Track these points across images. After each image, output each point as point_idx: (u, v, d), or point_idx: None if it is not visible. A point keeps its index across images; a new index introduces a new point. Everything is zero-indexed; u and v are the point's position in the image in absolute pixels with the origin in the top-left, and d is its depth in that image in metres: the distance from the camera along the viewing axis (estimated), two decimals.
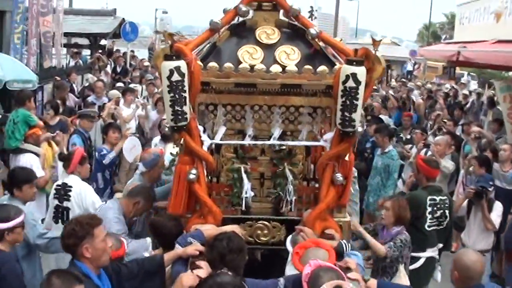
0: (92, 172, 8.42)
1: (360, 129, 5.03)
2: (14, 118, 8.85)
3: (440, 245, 7.67)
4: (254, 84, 5.09)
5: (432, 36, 50.58)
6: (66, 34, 19.76)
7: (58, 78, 15.34)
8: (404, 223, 6.33)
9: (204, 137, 5.17)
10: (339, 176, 5.06)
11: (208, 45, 5.44)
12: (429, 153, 10.91)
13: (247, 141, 5.30)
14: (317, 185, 5.45)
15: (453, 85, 24.06)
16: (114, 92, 13.48)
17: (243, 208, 5.30)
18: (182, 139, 5.05)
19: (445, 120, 14.36)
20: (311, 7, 23.74)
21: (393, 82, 25.90)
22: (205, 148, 5.15)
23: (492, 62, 13.94)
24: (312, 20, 20.11)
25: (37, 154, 8.44)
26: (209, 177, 5.51)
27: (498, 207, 8.29)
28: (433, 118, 15.53)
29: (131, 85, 15.12)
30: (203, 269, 4.22)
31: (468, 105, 18.83)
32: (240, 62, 5.08)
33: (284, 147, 5.40)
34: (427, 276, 7.56)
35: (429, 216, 7.48)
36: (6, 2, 17.25)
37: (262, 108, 5.26)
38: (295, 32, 5.47)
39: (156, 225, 5.31)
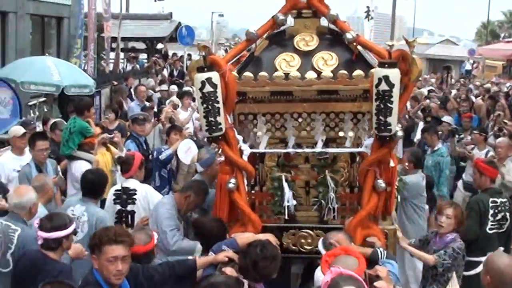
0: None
1: (400, 133, 4.89)
2: (70, 128, 8.75)
3: (501, 249, 7.42)
4: (290, 92, 5.06)
5: (490, 35, 48.34)
6: (123, 39, 20.21)
7: (115, 83, 15.66)
8: (461, 231, 6.08)
9: (244, 146, 5.18)
10: (381, 183, 4.94)
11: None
12: (490, 154, 10.62)
13: (285, 150, 5.27)
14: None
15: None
16: (173, 98, 13.53)
17: (286, 216, 5.26)
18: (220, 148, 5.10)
19: (505, 121, 13.74)
20: (368, 7, 23.57)
21: (453, 81, 24.89)
22: (245, 157, 5.16)
23: None
24: (368, 20, 19.95)
25: (90, 162, 8.56)
26: (255, 186, 5.52)
27: None
28: (494, 118, 14.85)
29: (186, 88, 15.01)
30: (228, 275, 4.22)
31: None
32: (276, 71, 5.06)
33: (327, 155, 5.32)
34: None
35: (491, 219, 7.29)
36: (65, 9, 17.89)
37: (301, 116, 5.22)
38: (335, 38, 5.39)
39: (198, 224, 5.37)
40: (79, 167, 8.03)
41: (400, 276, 7.66)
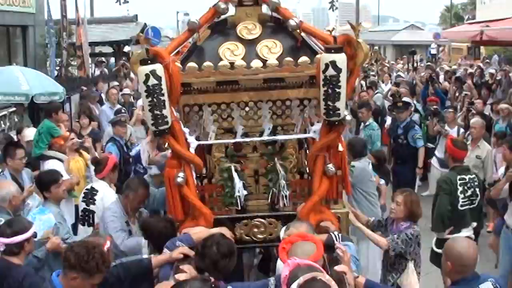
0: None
1: (348, 117, 4.91)
2: (39, 129, 9.19)
3: (474, 224, 7.67)
4: (236, 81, 5.00)
5: (454, 18, 49.61)
6: (89, 44, 19.98)
7: (84, 88, 15.50)
8: (415, 219, 6.14)
9: (191, 139, 5.09)
10: (331, 167, 4.94)
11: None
12: (461, 131, 11.20)
13: (233, 139, 5.21)
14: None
15: (479, 65, 23.55)
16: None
17: (238, 207, 5.21)
18: (167, 142, 5.00)
19: (472, 101, 14.21)
20: None
21: (420, 64, 25.48)
22: (192, 150, 5.08)
23: None
24: (333, 10, 20.00)
25: (61, 160, 8.53)
26: (203, 178, 5.45)
27: None
28: (461, 99, 15.33)
29: None
30: (187, 273, 4.14)
31: (495, 84, 18.46)
32: (221, 60, 4.99)
33: (275, 142, 5.29)
34: None
35: (461, 196, 7.56)
36: (29, 17, 17.61)
37: (248, 105, 5.17)
38: (278, 25, 5.34)
39: (146, 225, 5.33)
40: (51, 166, 8.08)
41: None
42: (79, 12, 18.08)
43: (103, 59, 23.78)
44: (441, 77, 20.73)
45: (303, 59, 4.89)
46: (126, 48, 24.16)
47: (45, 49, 16.17)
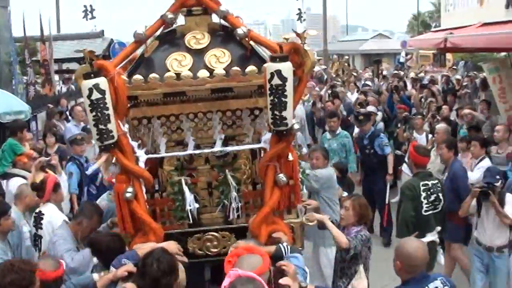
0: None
1: (297, 126, 4.82)
2: (3, 148, 9.15)
3: (439, 228, 7.70)
4: (184, 92, 4.90)
5: (422, 26, 49.72)
6: (56, 61, 19.81)
7: (51, 106, 15.31)
8: (365, 222, 6.12)
9: (139, 152, 4.98)
10: (282, 177, 4.84)
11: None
12: (430, 136, 11.55)
13: (182, 152, 5.11)
14: None
15: (444, 72, 23.75)
16: None
17: (190, 221, 5.11)
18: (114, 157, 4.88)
19: (439, 106, 14.38)
20: (299, 9, 23.96)
21: (385, 72, 25.60)
22: (141, 164, 4.97)
23: (478, 46, 13.93)
24: (301, 22, 20.16)
25: (25, 178, 8.39)
26: (156, 193, 5.34)
27: (510, 199, 7.50)
28: (427, 105, 15.48)
29: None
30: None
31: (462, 90, 18.63)
32: (168, 71, 4.90)
33: (227, 154, 5.20)
34: (430, 261, 7.43)
35: (425, 201, 7.62)
36: None
37: (197, 116, 5.07)
38: (227, 34, 5.26)
39: (93, 242, 5.20)
40: (15, 184, 7.96)
41: (316, 271, 7.74)
42: (43, 29, 17.92)
43: (70, 75, 23.58)
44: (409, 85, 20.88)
45: (251, 68, 4.82)
46: None
47: (10, 67, 15.95)
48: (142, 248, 4.65)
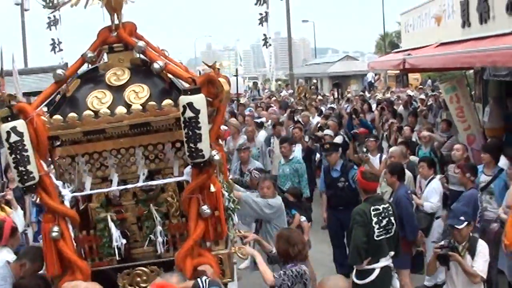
0: None
1: (217, 157, 4.86)
2: None
3: (392, 253, 7.63)
4: (103, 129, 4.94)
5: (389, 46, 50.10)
6: (24, 94, 19.72)
7: None
8: (292, 257, 6.12)
9: (64, 191, 4.99)
10: (205, 209, 4.87)
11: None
12: (384, 157, 11.33)
13: (107, 188, 5.13)
14: None
15: (408, 92, 24.06)
16: None
17: (117, 257, 5.12)
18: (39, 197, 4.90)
19: (400, 126, 14.58)
20: (264, 34, 24.08)
21: (349, 95, 25.86)
22: (67, 203, 4.98)
23: (435, 65, 14.20)
24: (267, 47, 20.33)
25: None
26: (85, 230, 5.34)
27: (482, 249, 6.81)
28: (388, 127, 15.66)
29: None
30: None
31: (423, 109, 18.87)
32: (88, 109, 4.94)
33: (153, 188, 5.23)
34: (384, 286, 7.44)
35: (376, 226, 7.51)
36: None
37: (120, 152, 5.10)
38: (147, 69, 5.32)
39: (18, 286, 5.14)
40: None
41: None
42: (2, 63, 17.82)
43: None
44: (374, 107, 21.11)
45: (166, 101, 4.87)
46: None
47: None
48: (68, 287, 4.66)
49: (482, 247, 6.81)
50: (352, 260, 7.66)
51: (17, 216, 8.65)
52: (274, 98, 26.53)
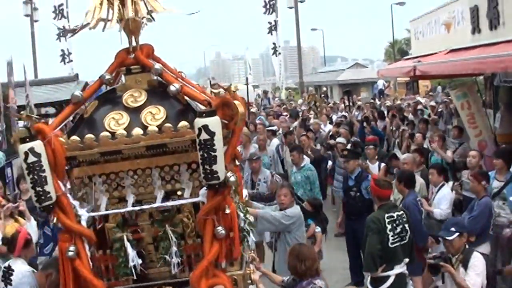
0: None
1: (232, 178, 4.91)
2: None
3: (407, 260, 7.67)
4: (120, 150, 5.01)
5: (399, 53, 50.09)
6: (35, 105, 19.86)
7: None
8: (300, 274, 6.16)
9: (81, 211, 5.06)
10: (220, 230, 4.92)
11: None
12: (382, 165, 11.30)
13: (123, 209, 5.19)
14: None
15: (418, 99, 24.05)
16: None
17: (134, 276, 5.18)
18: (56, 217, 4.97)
19: (412, 133, 14.62)
20: (274, 43, 24.25)
21: (359, 103, 25.88)
22: (83, 222, 5.05)
23: (446, 72, 14.18)
24: (276, 56, 20.47)
25: None
26: (102, 250, 5.41)
27: (476, 261, 6.56)
28: (400, 134, 15.71)
29: None
30: None
31: (434, 117, 18.88)
32: (105, 130, 5.01)
33: (170, 208, 5.29)
34: None
35: (391, 234, 7.61)
36: None
37: (136, 172, 5.17)
38: (164, 90, 5.39)
39: None
40: None
41: None
42: (13, 75, 18.00)
43: (47, 120, 23.63)
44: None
45: (182, 123, 4.92)
46: None
47: None
48: None
49: (476, 259, 6.55)
50: (367, 267, 7.71)
51: (30, 227, 8.74)
52: (284, 106, 26.59)
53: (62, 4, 28.65)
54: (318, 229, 9.37)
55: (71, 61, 28.05)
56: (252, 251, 6.39)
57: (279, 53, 28.96)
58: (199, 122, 4.63)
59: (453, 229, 6.64)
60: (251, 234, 5.88)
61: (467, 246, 6.74)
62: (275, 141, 15.43)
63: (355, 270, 10.39)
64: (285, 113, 22.34)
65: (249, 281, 5.72)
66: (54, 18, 29.11)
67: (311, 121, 18.41)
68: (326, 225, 10.39)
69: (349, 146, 13.71)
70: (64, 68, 27.90)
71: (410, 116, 19.33)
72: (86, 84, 21.30)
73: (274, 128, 16.83)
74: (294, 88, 49.63)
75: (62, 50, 28.86)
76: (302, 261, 6.17)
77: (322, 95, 30.23)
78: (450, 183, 10.71)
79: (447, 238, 6.61)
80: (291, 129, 17.56)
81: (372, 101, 27.55)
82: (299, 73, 37.85)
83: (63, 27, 27.61)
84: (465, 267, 6.52)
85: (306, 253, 6.28)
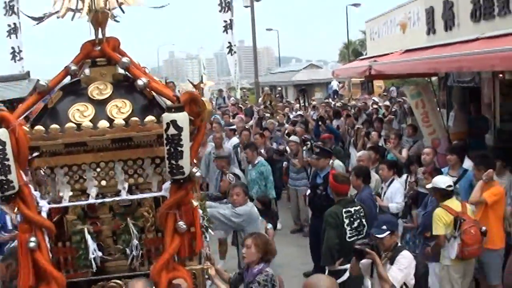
0: None
1: (198, 173, 4.96)
2: None
3: None
4: (84, 142, 5.00)
5: (353, 54, 50.63)
6: None
7: None
8: (269, 257, 6.27)
9: (42, 202, 5.04)
10: (182, 224, 4.96)
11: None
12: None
13: (84, 201, 5.18)
14: None
15: (373, 99, 24.45)
16: None
17: (94, 269, 5.17)
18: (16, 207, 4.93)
19: (368, 132, 14.91)
20: (229, 42, 24.18)
21: (314, 102, 26.17)
22: (44, 213, 5.02)
23: (401, 72, 14.48)
24: (231, 55, 20.44)
25: None
26: (60, 241, 5.38)
27: (401, 258, 6.56)
28: (354, 133, 15.96)
29: None
30: None
31: (389, 115, 19.25)
32: (69, 122, 4.99)
33: (130, 202, 5.30)
34: (356, 286, 7.57)
35: (348, 228, 7.73)
36: None
37: (99, 165, 5.17)
38: (130, 84, 5.40)
39: None
40: None
41: None
42: None
43: None
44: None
45: (149, 118, 4.96)
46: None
47: None
48: None
49: (402, 257, 6.53)
50: (325, 261, 7.83)
51: None
52: (239, 105, 26.68)
53: (12, 0, 28.02)
54: (270, 225, 9.48)
55: (22, 58, 27.49)
56: (208, 248, 6.46)
57: (235, 52, 28.96)
58: (167, 117, 4.66)
59: (384, 227, 6.66)
60: (209, 230, 5.94)
61: (398, 245, 6.82)
62: (234, 140, 15.50)
63: (317, 264, 10.53)
64: (239, 113, 22.42)
65: (206, 277, 5.79)
66: (5, 15, 28.47)
67: (268, 120, 18.53)
68: (277, 221, 10.53)
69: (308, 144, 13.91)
70: (14, 66, 27.30)
71: (364, 116, 19.65)
72: (38, 81, 21.26)
73: (233, 127, 16.91)
74: (249, 88, 49.77)
75: (13, 48, 28.24)
76: (257, 245, 6.26)
77: (277, 95, 30.38)
78: (403, 176, 10.94)
79: (378, 236, 6.58)
80: (246, 127, 17.68)
81: (327, 101, 27.84)
82: (255, 72, 37.89)
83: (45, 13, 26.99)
84: (392, 264, 6.52)
85: (264, 239, 6.38)
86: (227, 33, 28.79)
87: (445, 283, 8.25)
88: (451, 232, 7.86)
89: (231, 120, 19.32)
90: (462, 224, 7.80)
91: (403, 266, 6.44)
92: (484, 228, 7.98)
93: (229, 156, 12.59)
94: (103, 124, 4.95)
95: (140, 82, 5.11)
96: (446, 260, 8.10)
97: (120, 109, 5.12)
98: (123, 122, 4.97)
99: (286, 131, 16.47)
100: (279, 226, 13.55)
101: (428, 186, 8.67)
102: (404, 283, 6.39)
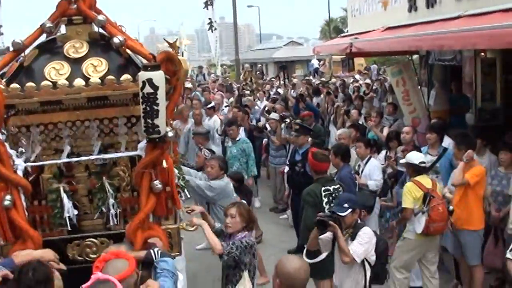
0: None
1: (171, 134, 4.97)
2: None
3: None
4: (60, 101, 4.98)
5: (335, 31, 50.48)
6: None
7: None
8: (252, 226, 6.30)
9: (18, 161, 5.02)
10: (157, 184, 4.97)
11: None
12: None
13: (59, 160, 5.17)
14: None
15: (354, 76, 24.51)
16: None
17: (69, 228, 5.18)
18: None
19: (348, 110, 14.90)
20: (210, 19, 23.99)
21: (295, 80, 26.15)
22: (20, 172, 5.01)
23: (382, 49, 14.28)
24: (212, 31, 20.24)
25: None
26: (36, 200, 5.38)
27: (362, 233, 6.51)
28: (334, 110, 15.94)
29: None
30: None
31: (370, 93, 19.31)
32: (45, 80, 4.97)
33: (106, 161, 5.30)
34: (333, 265, 7.55)
35: (327, 207, 7.65)
36: None
37: (75, 124, 5.16)
38: (106, 43, 5.37)
39: None
40: None
41: None
42: None
43: None
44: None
45: (125, 77, 4.94)
46: None
47: None
48: (20, 255, 4.69)
49: (363, 232, 6.49)
50: (303, 239, 7.77)
51: None
52: (219, 82, 26.58)
53: None
54: (244, 202, 9.48)
55: (2, 34, 27.03)
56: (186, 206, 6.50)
57: (215, 29, 28.69)
58: (143, 75, 4.63)
59: (346, 205, 6.57)
60: (185, 190, 5.97)
61: (359, 221, 6.76)
62: (215, 118, 15.42)
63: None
64: (219, 89, 22.32)
65: (192, 228, 5.89)
66: None
67: (246, 98, 18.45)
68: (251, 197, 10.53)
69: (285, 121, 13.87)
70: None
71: (341, 95, 19.67)
72: (14, 40, 20.89)
73: (212, 105, 16.87)
74: (230, 65, 49.59)
75: None
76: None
77: (258, 72, 30.28)
78: (382, 152, 10.95)
79: (340, 214, 6.49)
80: (226, 104, 17.62)
81: (307, 78, 27.82)
82: (235, 49, 37.66)
83: None
84: (353, 240, 6.55)
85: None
86: (207, 9, 28.48)
87: (401, 254, 8.26)
88: (420, 207, 7.89)
89: (214, 97, 19.19)
90: (431, 201, 7.83)
91: (364, 241, 6.42)
92: (451, 207, 8.03)
93: (207, 132, 12.50)
94: (79, 82, 4.92)
95: (116, 40, 5.09)
96: (410, 233, 8.14)
97: (96, 68, 5.10)
98: (99, 80, 4.95)
99: (266, 108, 16.43)
100: (257, 204, 13.60)
101: (402, 161, 8.71)
102: (366, 259, 6.44)
